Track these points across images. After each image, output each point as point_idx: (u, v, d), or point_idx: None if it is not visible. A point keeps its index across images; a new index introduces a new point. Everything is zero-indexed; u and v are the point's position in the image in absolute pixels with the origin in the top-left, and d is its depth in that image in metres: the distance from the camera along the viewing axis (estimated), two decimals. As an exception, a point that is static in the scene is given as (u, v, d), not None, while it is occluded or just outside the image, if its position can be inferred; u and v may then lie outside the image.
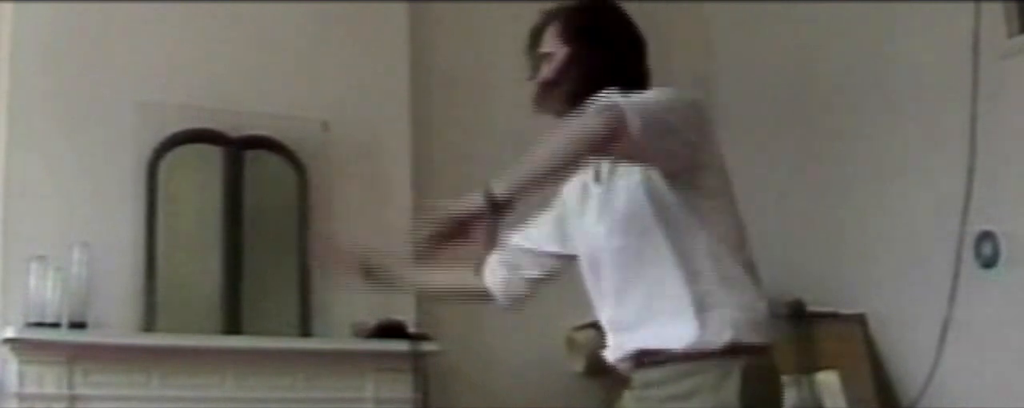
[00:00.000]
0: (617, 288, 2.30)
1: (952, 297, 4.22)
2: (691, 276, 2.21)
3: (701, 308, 2.20)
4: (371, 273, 2.63)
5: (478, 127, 5.04)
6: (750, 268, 2.28)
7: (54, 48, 4.36)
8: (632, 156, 2.18)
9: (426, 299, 2.24)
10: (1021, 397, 3.98)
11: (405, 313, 4.56)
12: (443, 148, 4.96)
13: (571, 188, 2.46)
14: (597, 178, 2.36)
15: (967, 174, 4.19)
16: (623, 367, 2.35)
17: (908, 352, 4.48)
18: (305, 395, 4.43)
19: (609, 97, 2.11)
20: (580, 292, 2.46)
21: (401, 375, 4.53)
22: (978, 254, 4.23)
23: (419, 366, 4.52)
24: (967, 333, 4.20)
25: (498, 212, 2.05)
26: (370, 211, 4.71)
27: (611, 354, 2.37)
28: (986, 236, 4.21)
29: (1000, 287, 4.18)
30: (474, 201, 2.04)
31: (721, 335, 2.18)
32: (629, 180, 2.27)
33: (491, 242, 2.09)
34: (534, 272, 2.56)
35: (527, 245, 2.55)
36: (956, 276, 4.23)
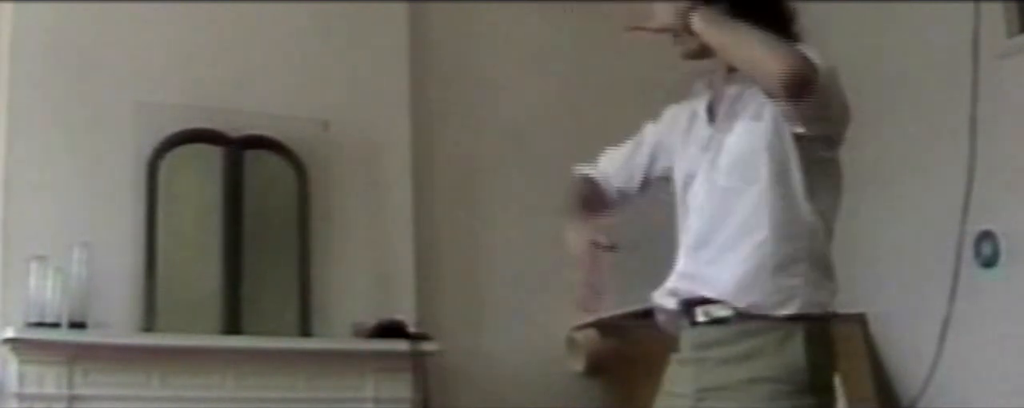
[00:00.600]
0: (706, 225, 2.23)
1: (952, 296, 4.22)
2: (783, 237, 2.15)
3: (779, 273, 2.14)
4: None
5: (478, 127, 5.04)
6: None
7: (54, 48, 4.36)
8: (790, 109, 2.12)
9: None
10: (1021, 396, 3.98)
11: (405, 313, 4.57)
12: (443, 148, 4.96)
13: (680, 110, 2.41)
14: (711, 118, 2.31)
15: (967, 174, 4.18)
16: (672, 321, 2.27)
17: (908, 352, 4.49)
18: (305, 395, 4.43)
19: (810, 53, 2.09)
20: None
21: (401, 375, 4.52)
22: (978, 254, 4.23)
23: (419, 366, 4.52)
24: (967, 332, 4.20)
25: (682, 24, 2.21)
26: (370, 211, 4.71)
27: (667, 297, 2.27)
28: (986, 236, 4.22)
29: (1000, 286, 4.18)
30: (681, 6, 2.20)
31: (786, 306, 2.13)
32: (754, 125, 2.21)
33: (660, 30, 2.27)
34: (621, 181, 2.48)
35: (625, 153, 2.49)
36: (956, 275, 4.23)
